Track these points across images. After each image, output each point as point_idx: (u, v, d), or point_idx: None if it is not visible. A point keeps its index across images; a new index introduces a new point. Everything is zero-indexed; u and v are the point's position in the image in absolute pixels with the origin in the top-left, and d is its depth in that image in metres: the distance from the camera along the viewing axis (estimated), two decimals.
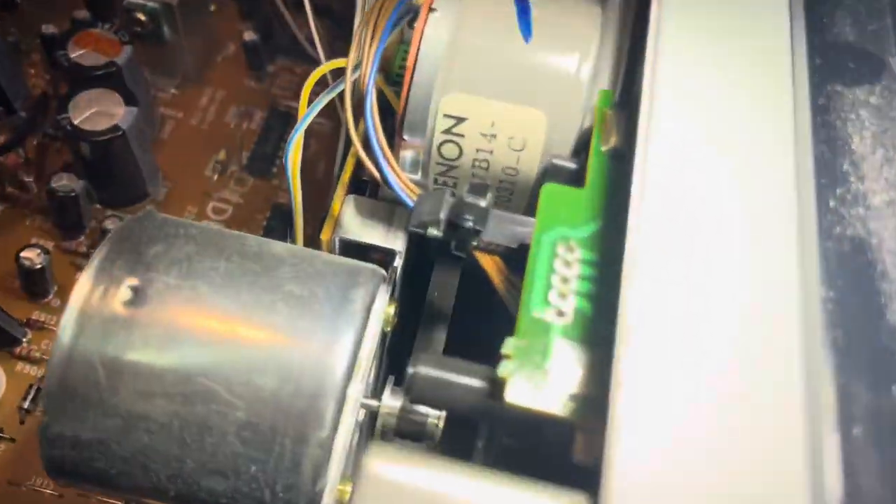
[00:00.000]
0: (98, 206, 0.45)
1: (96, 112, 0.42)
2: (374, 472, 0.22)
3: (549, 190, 0.27)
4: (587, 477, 0.22)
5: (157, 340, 0.26)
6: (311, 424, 0.25)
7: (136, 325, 0.26)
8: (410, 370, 0.25)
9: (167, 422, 0.25)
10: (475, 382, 0.24)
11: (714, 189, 0.24)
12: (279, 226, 0.45)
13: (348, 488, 0.26)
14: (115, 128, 0.42)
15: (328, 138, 0.47)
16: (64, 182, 0.43)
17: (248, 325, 0.26)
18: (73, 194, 0.43)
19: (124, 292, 0.26)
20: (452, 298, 0.33)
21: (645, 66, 0.26)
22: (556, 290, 0.25)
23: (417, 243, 0.32)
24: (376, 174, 0.31)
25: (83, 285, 0.26)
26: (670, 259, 0.23)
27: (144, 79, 0.47)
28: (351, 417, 0.26)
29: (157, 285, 0.26)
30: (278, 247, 0.29)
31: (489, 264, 0.29)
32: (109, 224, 0.43)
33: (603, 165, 0.28)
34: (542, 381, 0.23)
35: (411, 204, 0.30)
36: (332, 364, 0.26)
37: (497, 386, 0.23)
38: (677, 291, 0.22)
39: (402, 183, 0.30)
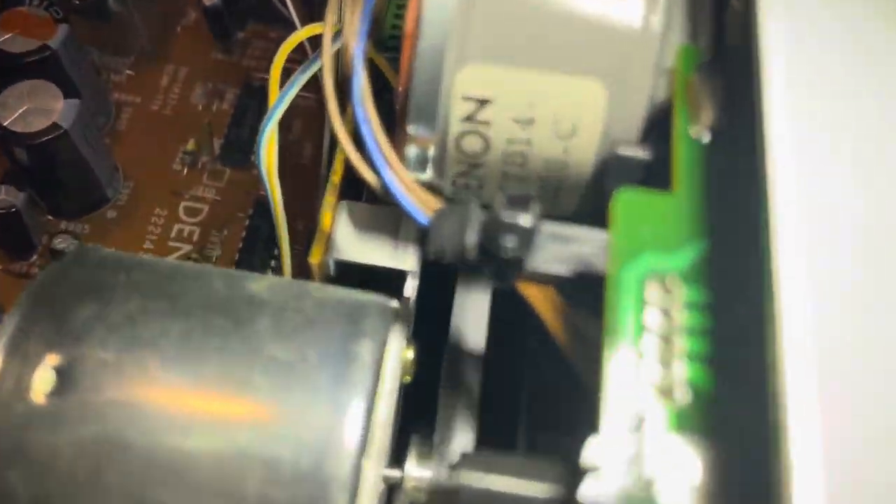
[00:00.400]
0: (50, 217, 0.41)
1: (30, 109, 0.37)
2: None
3: (627, 200, 0.19)
4: None
5: (93, 443, 0.21)
6: None
7: (64, 421, 0.21)
8: (453, 479, 0.18)
9: None
10: (546, 494, 0.17)
11: None
12: (264, 224, 0.41)
13: None
14: (54, 126, 0.37)
15: (316, 115, 0.42)
16: (2, 196, 0.38)
17: (218, 412, 0.21)
18: (13, 210, 0.38)
19: (45, 377, 0.21)
20: (484, 329, 0.26)
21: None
22: (656, 358, 0.17)
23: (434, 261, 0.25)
24: (373, 181, 0.24)
25: None
26: (849, 297, 0.15)
27: (90, 61, 0.42)
28: None
29: (89, 364, 0.21)
30: (255, 284, 0.24)
31: (538, 299, 0.22)
32: (59, 243, 0.39)
33: (695, 154, 0.20)
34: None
35: (423, 220, 0.23)
36: (337, 452, 0.21)
37: None
38: (869, 345, 0.15)
39: (410, 190, 0.23)
